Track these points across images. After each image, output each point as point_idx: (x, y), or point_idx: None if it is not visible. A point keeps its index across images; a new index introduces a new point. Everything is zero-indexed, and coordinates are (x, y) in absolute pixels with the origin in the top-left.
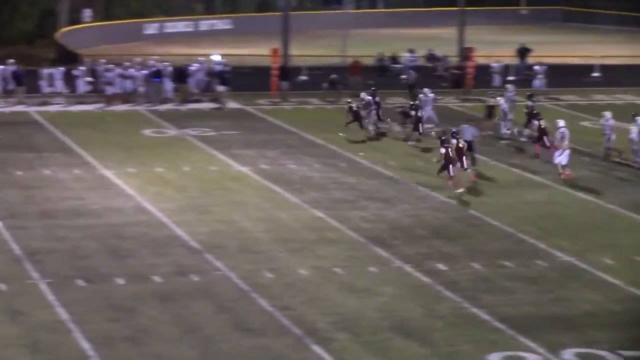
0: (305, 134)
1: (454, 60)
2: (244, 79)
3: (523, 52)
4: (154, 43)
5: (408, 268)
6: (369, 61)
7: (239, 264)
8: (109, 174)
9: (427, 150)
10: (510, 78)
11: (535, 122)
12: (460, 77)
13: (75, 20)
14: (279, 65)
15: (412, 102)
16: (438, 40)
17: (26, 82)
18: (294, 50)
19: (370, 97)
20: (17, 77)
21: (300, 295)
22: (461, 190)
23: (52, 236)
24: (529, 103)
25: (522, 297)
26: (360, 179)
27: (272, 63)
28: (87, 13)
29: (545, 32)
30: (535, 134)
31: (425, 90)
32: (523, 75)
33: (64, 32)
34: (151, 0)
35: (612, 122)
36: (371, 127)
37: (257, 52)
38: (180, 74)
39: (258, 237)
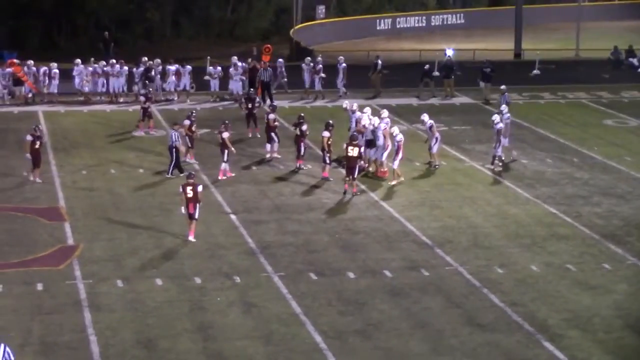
0: (537, 128)
1: None
2: (474, 74)
3: None
4: (386, 39)
5: None
6: (604, 54)
7: (470, 259)
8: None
9: None
10: None
11: None
12: None
13: (309, 17)
14: None
15: None
16: None
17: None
18: (526, 44)
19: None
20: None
21: (532, 292)
22: None
23: (285, 230)
24: None
25: None
26: (594, 174)
27: None
28: (321, 10)
29: None
30: None
31: None
32: None
33: (297, 29)
34: None
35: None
36: None
37: (489, 46)
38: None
39: (489, 232)
